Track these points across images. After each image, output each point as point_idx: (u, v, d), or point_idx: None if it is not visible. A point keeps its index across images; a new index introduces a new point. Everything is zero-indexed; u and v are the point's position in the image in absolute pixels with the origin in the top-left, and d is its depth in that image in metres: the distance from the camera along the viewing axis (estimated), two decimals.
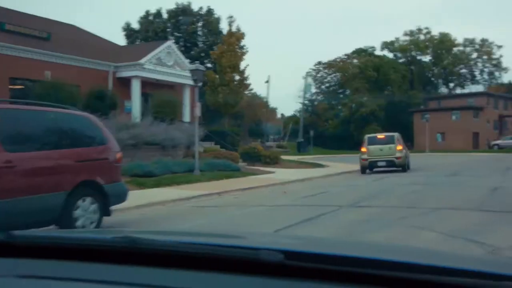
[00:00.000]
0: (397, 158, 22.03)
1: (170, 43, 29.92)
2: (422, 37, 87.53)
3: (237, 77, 34.12)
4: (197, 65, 19.60)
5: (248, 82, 33.83)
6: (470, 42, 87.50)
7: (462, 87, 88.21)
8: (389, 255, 1.47)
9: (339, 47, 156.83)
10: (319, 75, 78.74)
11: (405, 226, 7.61)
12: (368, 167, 22.47)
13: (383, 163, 22.11)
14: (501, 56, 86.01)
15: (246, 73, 33.99)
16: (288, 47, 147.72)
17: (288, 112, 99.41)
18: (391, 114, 72.23)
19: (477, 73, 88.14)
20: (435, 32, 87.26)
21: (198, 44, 45.18)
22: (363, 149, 22.67)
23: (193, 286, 1.28)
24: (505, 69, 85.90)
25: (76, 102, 19.68)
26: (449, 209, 9.28)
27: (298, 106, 72.53)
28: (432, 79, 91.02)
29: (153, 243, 1.52)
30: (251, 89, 35.63)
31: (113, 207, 8.28)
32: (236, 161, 23.18)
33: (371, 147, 22.46)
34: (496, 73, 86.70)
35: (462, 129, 61.92)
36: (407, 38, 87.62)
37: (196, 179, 17.92)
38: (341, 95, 77.60)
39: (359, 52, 76.63)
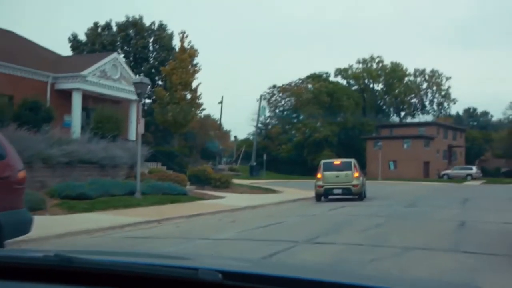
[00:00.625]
0: (354, 186, 20.98)
1: (116, 55, 28.06)
2: (374, 65, 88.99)
3: (188, 96, 32.49)
4: (141, 78, 17.93)
5: (200, 101, 32.26)
6: (420, 72, 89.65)
7: (413, 116, 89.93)
8: (328, 277, 1.54)
9: (293, 71, 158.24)
10: (273, 98, 78.12)
11: (379, 273, 6.18)
12: (323, 195, 21.36)
13: (339, 191, 21.03)
14: (449, 87, 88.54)
15: (198, 92, 32.46)
16: (243, 70, 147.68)
17: (242, 135, 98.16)
18: (345, 141, 72.28)
19: (427, 103, 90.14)
20: (387, 61, 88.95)
21: (149, 60, 43.34)
22: (319, 175, 21.52)
23: None
24: (454, 100, 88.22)
25: (5, 113, 17.64)
26: (422, 249, 7.99)
27: (252, 129, 71.56)
28: (384, 107, 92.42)
29: (89, 262, 1.51)
30: (203, 109, 34.07)
31: (12, 240, 6.49)
32: (184, 184, 21.44)
33: (327, 173, 21.35)
34: (445, 104, 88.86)
35: (413, 158, 62.40)
36: (360, 66, 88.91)
37: (137, 203, 16.09)
38: (295, 120, 77.21)
39: (313, 77, 76.67)
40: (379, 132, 73.65)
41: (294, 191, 27.73)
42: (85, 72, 24.74)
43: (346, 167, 21.45)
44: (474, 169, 60.18)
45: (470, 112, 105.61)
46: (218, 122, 56.80)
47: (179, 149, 32.09)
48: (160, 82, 40.79)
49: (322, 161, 22.63)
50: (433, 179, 60.16)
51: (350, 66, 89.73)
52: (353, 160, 22.27)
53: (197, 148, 55.60)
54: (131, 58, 42.36)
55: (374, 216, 14.02)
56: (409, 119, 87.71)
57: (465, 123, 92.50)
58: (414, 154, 62.90)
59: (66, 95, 24.62)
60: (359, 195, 21.14)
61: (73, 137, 21.38)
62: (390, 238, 9.33)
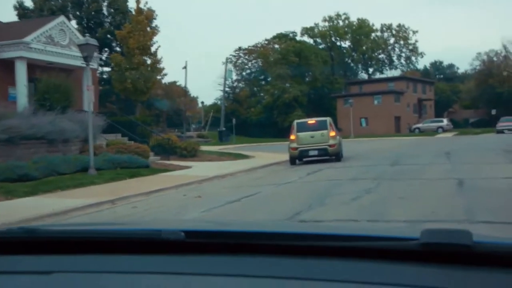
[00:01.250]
0: (330, 146, 19.31)
1: (63, 18, 25.33)
2: (341, 23, 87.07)
3: (148, 61, 30.13)
4: (87, 39, 15.78)
5: (161, 65, 29.92)
6: (387, 27, 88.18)
7: (381, 72, 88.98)
8: (289, 229, 1.75)
9: (259, 33, 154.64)
10: (239, 61, 75.65)
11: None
12: (298, 157, 19.75)
13: (315, 152, 19.39)
14: (416, 41, 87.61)
15: (159, 56, 30.09)
16: (207, 33, 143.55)
17: (209, 101, 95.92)
18: (315, 100, 70.85)
19: (394, 58, 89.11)
20: (354, 18, 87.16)
21: (104, 24, 40.37)
22: (292, 137, 19.77)
23: (98, 269, 1.34)
24: (421, 54, 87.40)
25: None
26: (433, 223, 6.42)
27: (219, 94, 69.20)
28: (352, 64, 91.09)
29: (54, 231, 1.63)
30: (165, 74, 31.65)
31: None
32: (146, 156, 19.50)
33: (301, 134, 19.61)
34: (413, 58, 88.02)
35: (384, 114, 61.54)
36: (326, 24, 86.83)
37: (90, 181, 14.19)
38: (263, 82, 75.16)
39: (279, 37, 74.30)
40: (348, 89, 72.44)
41: (266, 155, 26.13)
42: (28, 39, 22.17)
43: (321, 126, 19.80)
44: (445, 122, 59.76)
45: (436, 66, 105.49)
46: (184, 88, 54.33)
47: (142, 118, 29.84)
48: (118, 49, 38.08)
49: (295, 121, 20.85)
50: (404, 133, 59.60)
51: (316, 25, 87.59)
52: (328, 119, 20.52)
53: (163, 117, 53.29)
54: (84, 24, 39.36)
55: (360, 180, 12.48)
56: (377, 75, 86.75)
57: (432, 77, 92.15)
58: (385, 109, 62.01)
59: (9, 65, 22.09)
60: (336, 156, 19.61)
61: (19, 111, 19.08)
62: (388, 209, 7.77)
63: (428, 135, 50.48)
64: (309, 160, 20.03)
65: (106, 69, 37.70)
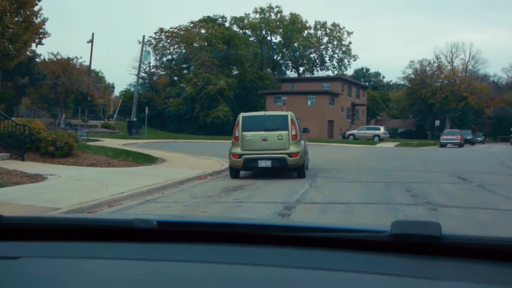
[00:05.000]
0: (291, 155, 12.57)
1: None
2: (273, 16, 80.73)
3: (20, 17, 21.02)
4: None
5: (39, 19, 20.88)
6: (321, 25, 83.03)
7: (312, 72, 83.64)
8: (256, 221, 1.77)
9: (184, 17, 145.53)
10: (160, 45, 66.57)
11: None
12: (243, 168, 12.93)
13: (267, 163, 12.63)
14: (350, 43, 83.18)
15: (37, 7, 20.99)
16: (125, 13, 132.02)
17: (122, 86, 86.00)
18: (242, 95, 63.68)
19: (327, 58, 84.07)
20: (286, 12, 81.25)
21: None
22: (236, 138, 12.95)
23: (68, 255, 1.34)
24: (354, 57, 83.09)
25: None
26: None
27: (134, 79, 59.73)
28: (281, 61, 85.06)
29: (20, 218, 1.67)
30: (45, 33, 22.37)
31: None
32: None
33: (249, 134, 12.84)
34: (345, 60, 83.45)
35: (318, 116, 55.51)
36: (257, 16, 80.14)
37: None
38: (186, 71, 66.77)
39: (206, 21, 66.24)
40: (280, 87, 66.03)
41: (184, 158, 18.47)
42: None
43: (278, 124, 12.99)
44: (382, 130, 54.76)
45: (362, 72, 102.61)
46: (86, 65, 44.60)
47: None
48: None
49: (241, 115, 13.53)
50: (337, 139, 54.17)
51: (247, 15, 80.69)
52: (289, 114, 13.35)
53: (61, 99, 43.45)
54: None
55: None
56: (307, 75, 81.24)
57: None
58: (319, 111, 56.05)
59: None
60: (298, 170, 12.84)
61: None
62: None
63: (363, 143, 45.13)
64: (258, 171, 12.78)
65: None
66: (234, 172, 12.97)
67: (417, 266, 1.26)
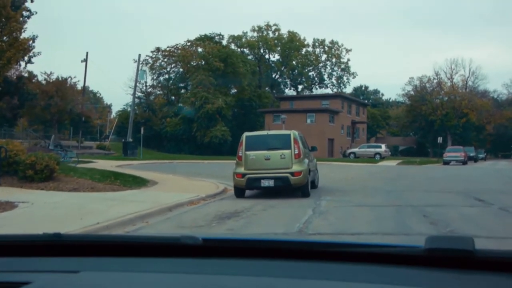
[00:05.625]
0: (293, 174, 12.58)
1: None
2: (270, 34, 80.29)
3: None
4: None
5: (24, 35, 19.89)
6: (320, 43, 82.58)
7: (310, 90, 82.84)
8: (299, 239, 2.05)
9: (181, 37, 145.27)
10: (157, 64, 65.79)
11: None
12: (247, 187, 13.04)
13: (270, 182, 12.68)
14: (349, 60, 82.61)
15: (25, 27, 20.00)
16: (123, 33, 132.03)
17: (119, 106, 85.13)
18: (240, 114, 62.72)
19: (325, 76, 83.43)
20: (284, 30, 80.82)
21: None
22: (239, 157, 13.14)
23: (121, 269, 1.44)
24: (353, 74, 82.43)
25: None
26: None
27: (130, 99, 58.71)
28: (280, 80, 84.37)
29: (77, 236, 1.99)
30: (31, 49, 21.31)
31: None
32: None
33: (252, 153, 12.96)
34: (344, 78, 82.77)
35: (318, 134, 54.34)
36: (255, 34, 79.71)
37: None
38: (183, 90, 65.88)
39: (203, 40, 65.53)
40: (278, 105, 65.13)
41: (177, 180, 17.36)
42: None
43: (281, 143, 13.09)
44: (383, 148, 53.75)
45: (361, 90, 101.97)
46: (79, 85, 43.62)
47: None
48: None
49: (245, 135, 13.69)
50: (338, 158, 53.04)
51: (245, 34, 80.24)
52: (292, 133, 13.47)
53: (53, 121, 42.40)
54: None
55: None
56: (306, 94, 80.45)
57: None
58: (319, 129, 54.95)
59: None
60: (302, 189, 12.79)
61: None
62: None
63: (365, 162, 44.12)
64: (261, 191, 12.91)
65: None
66: (238, 192, 13.00)
67: (451, 280, 1.28)
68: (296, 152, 12.69)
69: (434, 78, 78.22)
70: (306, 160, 13.25)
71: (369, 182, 18.10)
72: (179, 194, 12.28)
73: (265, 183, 12.54)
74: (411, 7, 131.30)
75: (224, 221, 8.56)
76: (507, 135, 78.82)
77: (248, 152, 12.86)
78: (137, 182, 14.67)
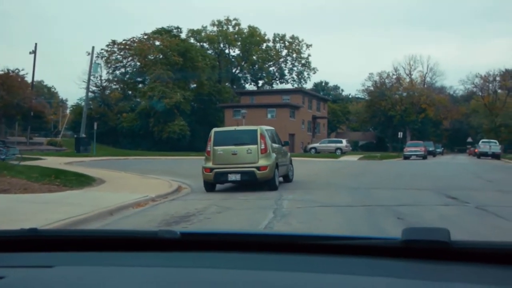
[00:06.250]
0: (259, 168, 12.94)
1: None
2: (231, 29, 78.99)
3: None
4: None
5: None
6: (280, 38, 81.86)
7: (271, 85, 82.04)
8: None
9: (138, 29, 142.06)
10: (112, 57, 63.37)
11: None
12: (214, 182, 13.40)
13: (237, 177, 13.17)
14: (309, 55, 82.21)
15: None
16: (78, 25, 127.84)
17: (73, 101, 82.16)
18: (199, 109, 61.24)
19: (286, 71, 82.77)
20: (244, 25, 79.66)
21: None
22: (207, 152, 13.56)
23: (97, 263, 1.42)
24: (314, 70, 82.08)
25: None
26: None
27: (84, 93, 56.19)
28: (240, 75, 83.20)
29: (53, 231, 1.96)
30: None
31: None
32: None
33: (219, 149, 13.37)
34: (305, 73, 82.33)
35: (278, 130, 53.33)
36: (215, 28, 78.24)
37: None
38: (140, 85, 63.76)
39: (161, 33, 63.56)
40: (239, 100, 63.99)
41: (128, 178, 16.08)
42: None
43: (248, 138, 13.46)
44: (344, 143, 53.42)
45: (322, 86, 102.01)
46: (28, 78, 41.20)
47: None
48: None
49: (214, 130, 14.13)
50: (299, 153, 52.44)
51: (204, 28, 78.62)
52: (259, 128, 13.84)
53: None
54: None
55: None
56: (267, 89, 79.62)
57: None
58: (279, 125, 53.88)
59: None
60: (269, 183, 13.12)
61: None
62: None
63: (326, 157, 43.57)
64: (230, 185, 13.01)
65: None
66: (208, 186, 13.23)
67: (427, 270, 1.29)
68: (263, 147, 13.01)
69: (393, 74, 78.92)
70: (274, 155, 13.41)
71: (332, 178, 17.25)
72: (125, 195, 10.98)
73: (232, 177, 12.96)
74: (371, 4, 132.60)
75: (171, 227, 7.37)
76: (462, 130, 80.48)
77: (216, 147, 13.22)
78: (81, 182, 13.23)
